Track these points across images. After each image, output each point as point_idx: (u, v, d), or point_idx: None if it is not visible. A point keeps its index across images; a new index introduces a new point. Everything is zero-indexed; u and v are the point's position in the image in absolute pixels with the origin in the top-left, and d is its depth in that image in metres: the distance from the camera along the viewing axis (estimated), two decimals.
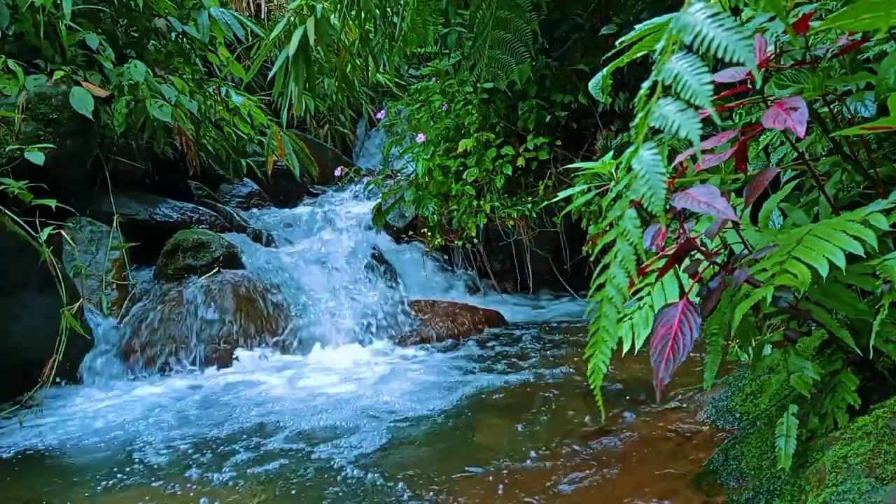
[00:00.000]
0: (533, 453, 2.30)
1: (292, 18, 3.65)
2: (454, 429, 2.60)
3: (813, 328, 1.95)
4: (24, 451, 2.66)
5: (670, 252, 1.51)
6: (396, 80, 6.38)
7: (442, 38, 4.40)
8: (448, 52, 4.69)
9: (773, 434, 1.64)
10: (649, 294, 1.79)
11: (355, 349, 3.86)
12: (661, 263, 1.54)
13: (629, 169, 1.04)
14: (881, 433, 1.42)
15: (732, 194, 1.79)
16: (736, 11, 1.66)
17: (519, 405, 2.79)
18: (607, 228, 1.14)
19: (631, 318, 1.77)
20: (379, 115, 5.72)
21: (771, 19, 1.69)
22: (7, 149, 3.61)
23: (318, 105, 6.31)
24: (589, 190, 1.89)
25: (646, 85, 1.05)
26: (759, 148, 2.28)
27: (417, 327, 3.95)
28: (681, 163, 1.63)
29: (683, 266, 1.54)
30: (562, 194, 1.87)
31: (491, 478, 2.16)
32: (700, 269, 1.53)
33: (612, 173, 1.70)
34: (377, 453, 2.42)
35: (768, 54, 1.62)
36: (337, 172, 6.13)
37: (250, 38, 5.58)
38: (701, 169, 1.69)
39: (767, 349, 1.77)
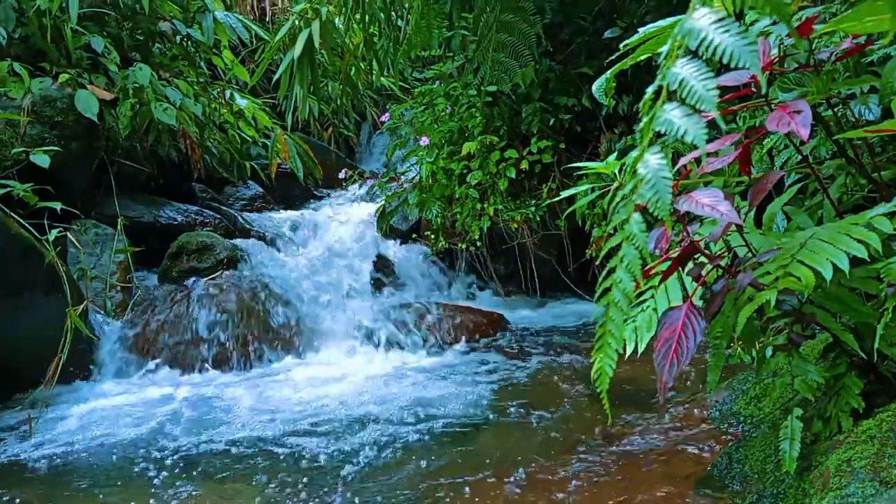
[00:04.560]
0: (537, 456, 2.31)
1: (297, 22, 3.67)
2: (458, 432, 2.60)
3: (817, 332, 1.95)
4: (27, 451, 2.67)
5: (674, 255, 1.51)
6: (400, 83, 6.40)
7: (446, 41, 4.40)
8: (452, 55, 4.70)
9: (776, 437, 1.64)
10: (653, 297, 1.79)
11: (359, 352, 3.87)
12: (665, 266, 1.54)
13: (634, 173, 1.04)
14: (885, 437, 1.42)
15: (736, 197, 1.79)
16: (739, 16, 1.67)
17: (523, 408, 2.79)
18: (612, 232, 1.14)
19: (634, 321, 1.77)
20: (383, 118, 5.72)
21: (774, 23, 1.70)
22: (12, 151, 3.63)
23: (322, 108, 6.32)
24: (592, 191, 1.89)
25: (651, 89, 1.05)
26: (763, 151, 2.28)
27: (420, 330, 3.96)
28: (684, 165, 1.63)
29: (687, 269, 1.55)
30: (565, 193, 1.88)
31: (495, 480, 2.16)
32: (704, 273, 1.54)
33: (615, 174, 1.71)
34: (381, 456, 2.42)
35: (772, 58, 1.62)
36: (341, 175, 6.14)
37: (255, 42, 5.60)
38: (705, 172, 1.70)
39: (771, 352, 1.77)
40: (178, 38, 4.92)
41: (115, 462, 2.53)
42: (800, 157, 1.77)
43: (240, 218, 5.16)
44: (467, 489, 2.12)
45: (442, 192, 4.56)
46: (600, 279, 1.23)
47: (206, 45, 4.99)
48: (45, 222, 3.38)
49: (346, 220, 5.34)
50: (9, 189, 3.32)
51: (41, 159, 3.52)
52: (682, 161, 1.58)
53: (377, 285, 4.52)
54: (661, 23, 1.42)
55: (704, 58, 1.00)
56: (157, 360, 3.60)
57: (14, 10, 3.89)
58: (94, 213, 4.21)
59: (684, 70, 1.00)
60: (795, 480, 1.59)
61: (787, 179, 2.01)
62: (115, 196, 4.26)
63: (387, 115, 5.58)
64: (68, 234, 3.58)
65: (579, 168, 1.94)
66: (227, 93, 5.34)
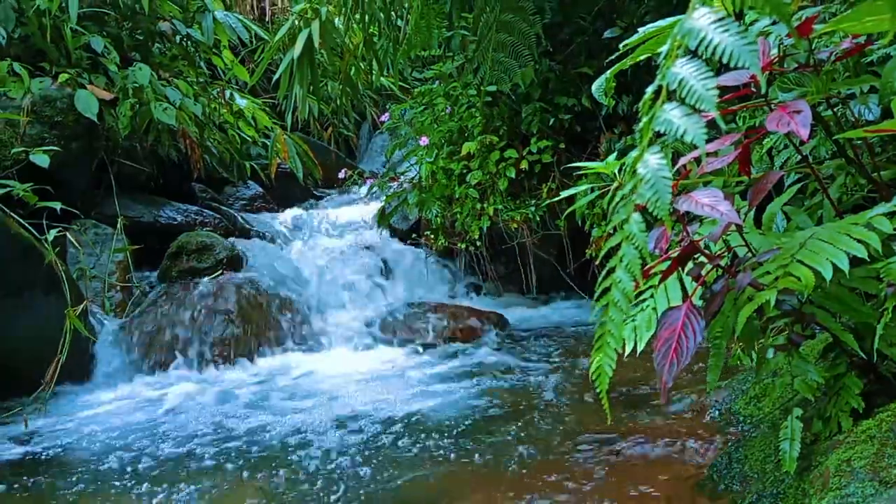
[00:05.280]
0: (536, 457, 2.31)
1: (297, 21, 3.67)
2: (457, 432, 2.60)
3: (817, 332, 1.95)
4: (28, 452, 2.67)
5: (674, 255, 1.51)
6: (400, 83, 6.40)
7: (446, 41, 4.40)
8: (452, 55, 4.69)
9: (776, 437, 1.64)
10: (652, 297, 1.79)
11: (358, 351, 3.87)
12: (665, 266, 1.54)
13: (634, 173, 1.04)
14: (885, 437, 1.42)
15: (736, 197, 1.79)
16: (739, 15, 1.67)
17: (522, 408, 2.79)
18: (611, 232, 1.14)
19: (633, 321, 1.77)
20: (382, 118, 5.72)
21: (774, 23, 1.70)
22: (12, 151, 3.63)
23: (322, 108, 6.32)
24: (592, 191, 1.89)
25: (650, 89, 1.05)
26: (763, 151, 2.29)
27: (420, 330, 3.96)
28: (684, 165, 1.63)
29: (687, 269, 1.55)
30: (564, 193, 1.88)
31: (493, 482, 2.16)
32: (703, 272, 1.54)
33: (615, 174, 1.71)
34: (380, 455, 2.42)
35: (772, 58, 1.62)
36: (340, 175, 6.14)
37: (254, 42, 5.60)
38: (704, 172, 1.70)
39: (771, 352, 1.77)
40: (177, 37, 4.92)
41: (113, 462, 2.53)
42: (799, 156, 1.77)
43: (239, 218, 5.16)
44: (465, 489, 2.12)
45: (442, 192, 4.55)
46: (600, 279, 1.23)
47: (206, 45, 4.98)
48: (44, 222, 3.38)
49: (345, 220, 5.34)
50: (8, 189, 3.32)
51: (41, 159, 3.52)
52: (682, 161, 1.58)
53: (376, 285, 4.52)
54: (661, 23, 1.42)
55: (704, 57, 1.00)
56: (156, 360, 3.60)
57: (14, 9, 3.89)
58: (94, 213, 4.21)
59: (684, 70, 1.00)
60: (795, 480, 1.59)
61: (787, 179, 2.01)
62: (114, 196, 4.26)
63: (387, 115, 5.57)
64: (67, 234, 3.58)
65: (579, 168, 1.94)
66: (227, 93, 5.34)
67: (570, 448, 2.35)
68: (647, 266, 1.60)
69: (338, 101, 5.99)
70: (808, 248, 1.39)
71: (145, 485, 2.32)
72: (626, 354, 1.66)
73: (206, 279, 3.95)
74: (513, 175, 4.30)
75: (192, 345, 3.66)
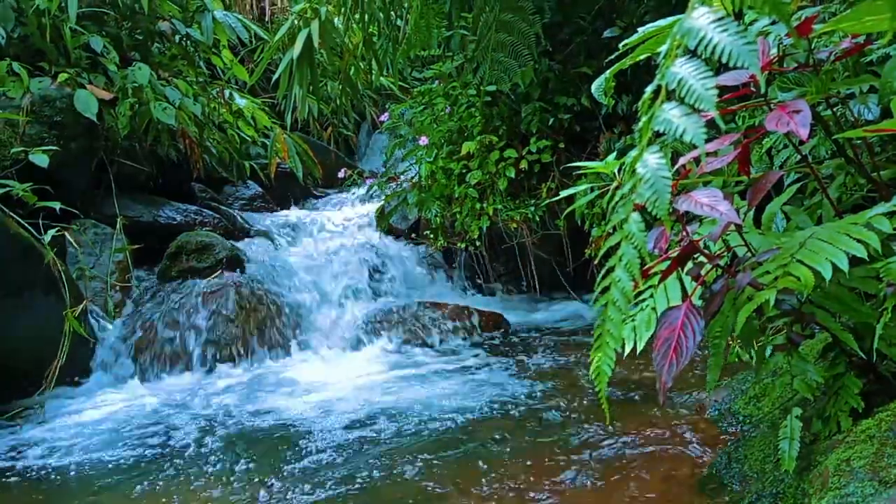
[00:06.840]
0: (535, 456, 2.31)
1: (296, 21, 3.67)
2: (456, 431, 2.60)
3: (816, 331, 1.95)
4: (27, 454, 2.67)
5: (673, 255, 1.51)
6: (400, 82, 6.40)
7: (445, 40, 4.40)
8: (451, 54, 4.70)
9: (776, 437, 1.64)
10: (652, 296, 1.79)
11: (357, 352, 3.87)
12: (664, 266, 1.54)
13: (633, 172, 1.04)
14: (884, 436, 1.42)
15: (736, 197, 1.79)
16: (739, 15, 1.67)
17: (521, 408, 2.79)
18: (611, 231, 1.14)
19: (633, 320, 1.77)
20: (382, 118, 5.72)
21: (774, 22, 1.70)
22: (12, 151, 3.62)
23: (321, 108, 6.32)
24: (591, 190, 1.89)
25: (650, 89, 1.05)
26: (763, 151, 2.29)
27: (420, 330, 3.96)
28: (683, 165, 1.63)
29: (686, 269, 1.54)
30: (564, 193, 1.88)
31: (492, 483, 2.16)
32: (703, 272, 1.54)
33: (614, 174, 1.71)
34: (380, 455, 2.42)
35: (771, 57, 1.62)
36: (340, 175, 6.14)
37: (254, 41, 5.59)
38: (704, 171, 1.70)
39: (770, 352, 1.77)
40: (177, 37, 4.91)
41: (111, 463, 2.53)
42: (799, 156, 1.77)
43: (239, 217, 5.16)
44: (464, 489, 2.12)
45: (441, 192, 4.56)
46: (599, 278, 1.23)
47: (206, 45, 4.98)
48: (42, 222, 3.37)
49: (345, 219, 5.34)
50: (8, 189, 3.32)
51: (40, 159, 3.51)
52: (682, 161, 1.58)
53: (376, 284, 4.52)
54: (661, 22, 1.42)
55: (703, 57, 1.00)
56: (156, 361, 3.60)
57: (13, 9, 3.89)
58: (94, 212, 4.20)
59: (683, 69, 1.00)
60: (794, 480, 1.59)
61: (787, 179, 2.01)
62: (114, 196, 4.25)
63: (386, 114, 5.58)
64: (67, 233, 3.58)
65: (578, 168, 1.94)
66: (227, 92, 5.33)
67: (569, 448, 2.35)
68: (647, 266, 1.60)
69: (337, 101, 5.99)
70: (807, 247, 1.39)
71: (143, 487, 2.32)
72: (625, 354, 1.66)
73: (205, 279, 3.94)
74: (512, 175, 4.30)
75: (192, 345, 3.66)
